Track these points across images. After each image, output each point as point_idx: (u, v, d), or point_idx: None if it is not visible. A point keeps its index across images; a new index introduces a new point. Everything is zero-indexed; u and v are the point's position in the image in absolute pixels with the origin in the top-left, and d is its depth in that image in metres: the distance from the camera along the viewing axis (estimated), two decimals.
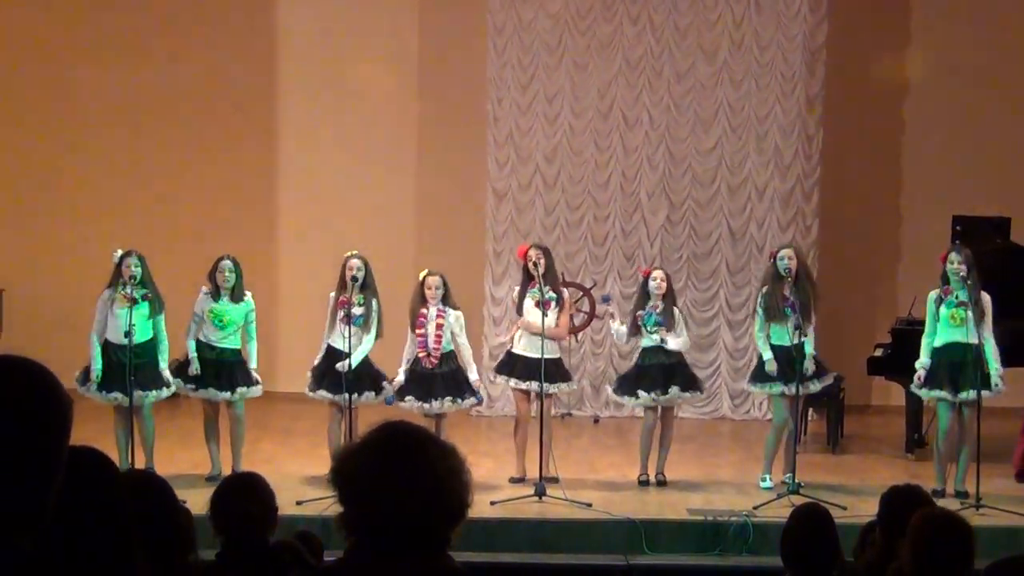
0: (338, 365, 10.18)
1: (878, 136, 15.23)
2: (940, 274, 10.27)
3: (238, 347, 10.44)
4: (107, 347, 10.12)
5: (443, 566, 2.66)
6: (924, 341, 10.38)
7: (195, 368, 10.28)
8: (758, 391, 11.07)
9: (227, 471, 10.13)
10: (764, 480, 10.55)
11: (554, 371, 10.63)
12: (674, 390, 10.65)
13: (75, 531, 2.43)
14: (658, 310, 10.60)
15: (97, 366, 10.11)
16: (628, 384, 10.78)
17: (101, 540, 2.48)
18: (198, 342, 10.35)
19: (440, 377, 10.40)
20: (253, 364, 10.45)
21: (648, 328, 10.59)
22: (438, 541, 2.64)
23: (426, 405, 10.33)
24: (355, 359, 10.25)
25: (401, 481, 2.59)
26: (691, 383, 10.82)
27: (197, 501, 5.18)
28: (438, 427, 10.33)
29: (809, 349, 10.50)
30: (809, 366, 10.42)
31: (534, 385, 10.40)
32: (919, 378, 10.37)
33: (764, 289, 10.68)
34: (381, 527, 2.60)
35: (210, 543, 4.73)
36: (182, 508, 4.22)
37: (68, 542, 2.41)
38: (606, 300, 12.01)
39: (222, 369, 10.35)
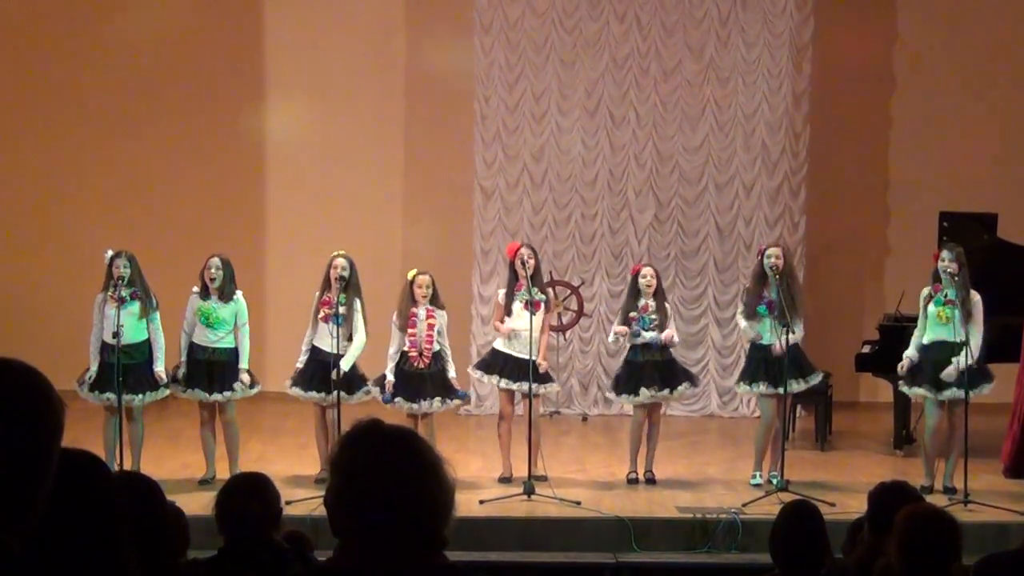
0: (333, 375, 10.15)
1: (865, 132, 15.26)
2: (932, 271, 10.27)
3: (233, 347, 10.33)
4: (102, 348, 10.08)
5: (440, 565, 2.67)
6: (914, 335, 10.43)
7: (182, 372, 10.25)
8: (743, 390, 11.10)
9: (222, 475, 10.12)
10: (755, 477, 10.56)
11: (536, 371, 10.63)
12: (685, 386, 10.75)
13: (67, 533, 2.43)
14: (650, 311, 10.61)
15: (93, 367, 10.07)
16: (624, 382, 10.78)
17: (93, 542, 2.48)
18: (192, 344, 10.30)
19: (429, 377, 10.40)
20: (243, 364, 10.35)
21: (644, 329, 10.59)
22: (431, 539, 2.66)
23: (414, 405, 10.33)
24: (346, 363, 10.22)
25: (390, 478, 2.61)
26: (688, 376, 10.89)
27: (187, 503, 5.19)
28: (425, 427, 10.35)
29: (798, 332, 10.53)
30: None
31: (521, 385, 10.39)
32: (902, 367, 10.43)
33: (747, 285, 10.77)
34: (374, 525, 2.61)
35: (208, 543, 4.73)
36: (172, 508, 4.22)
37: (61, 545, 2.41)
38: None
39: (214, 370, 10.28)
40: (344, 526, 2.65)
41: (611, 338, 11.02)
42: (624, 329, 10.64)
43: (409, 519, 2.60)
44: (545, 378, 10.74)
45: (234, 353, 10.33)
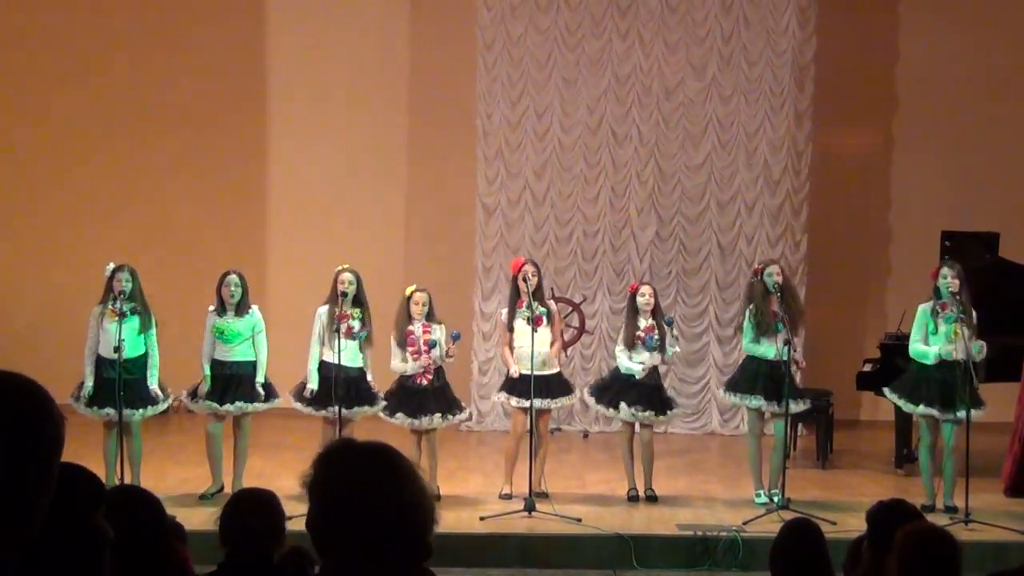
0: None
1: (867, 151, 15.29)
2: (933, 287, 10.21)
3: (250, 359, 10.36)
4: (99, 362, 10.07)
5: None
6: (916, 348, 10.25)
7: (206, 388, 10.25)
8: (734, 401, 11.06)
9: (227, 487, 10.10)
10: (758, 496, 10.53)
11: (557, 385, 10.66)
12: (676, 410, 10.92)
13: (59, 547, 2.43)
14: (654, 332, 10.61)
15: (89, 382, 10.07)
16: (609, 395, 10.77)
17: (84, 556, 2.48)
18: (212, 360, 10.31)
19: (431, 393, 10.40)
20: (260, 378, 10.36)
21: (649, 349, 10.60)
22: (416, 548, 2.67)
23: (415, 421, 10.32)
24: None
25: (370, 490, 2.63)
26: (668, 405, 10.86)
27: (188, 518, 5.18)
28: (427, 443, 10.34)
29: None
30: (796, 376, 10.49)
31: (539, 402, 10.36)
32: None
33: (751, 305, 10.62)
34: (359, 539, 2.62)
35: (208, 558, 4.72)
36: (172, 523, 4.21)
37: (53, 557, 2.41)
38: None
39: (231, 382, 10.29)
40: (329, 544, 2.65)
41: (633, 369, 10.70)
42: (640, 366, 10.65)
43: (393, 528, 2.61)
44: (564, 390, 10.79)
45: (251, 365, 10.36)
